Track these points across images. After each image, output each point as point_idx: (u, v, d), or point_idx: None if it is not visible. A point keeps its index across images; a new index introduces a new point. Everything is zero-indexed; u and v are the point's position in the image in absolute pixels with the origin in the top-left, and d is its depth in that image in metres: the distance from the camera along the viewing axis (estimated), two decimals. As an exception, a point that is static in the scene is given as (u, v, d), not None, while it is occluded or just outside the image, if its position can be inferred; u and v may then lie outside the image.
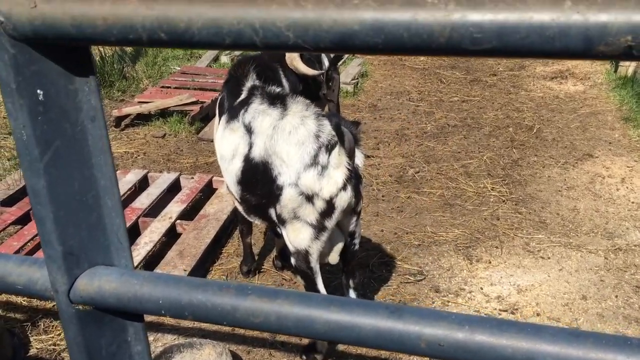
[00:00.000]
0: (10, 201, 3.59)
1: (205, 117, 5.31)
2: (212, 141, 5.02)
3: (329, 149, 2.23)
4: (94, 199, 0.80)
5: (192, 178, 4.01)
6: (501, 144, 4.79)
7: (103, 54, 5.98)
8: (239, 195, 2.52)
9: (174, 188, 3.94)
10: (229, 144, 2.46)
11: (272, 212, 2.39)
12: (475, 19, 0.55)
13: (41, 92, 0.71)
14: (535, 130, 4.96)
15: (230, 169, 2.47)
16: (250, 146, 2.36)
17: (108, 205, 0.80)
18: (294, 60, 3.28)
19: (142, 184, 3.99)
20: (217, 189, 3.93)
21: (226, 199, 3.71)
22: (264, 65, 2.92)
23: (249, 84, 2.56)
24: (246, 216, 2.70)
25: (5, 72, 0.69)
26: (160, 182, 3.89)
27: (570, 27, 0.53)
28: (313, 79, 3.40)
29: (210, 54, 6.80)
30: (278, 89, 2.54)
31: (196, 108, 5.23)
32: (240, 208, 2.69)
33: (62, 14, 0.66)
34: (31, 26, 0.66)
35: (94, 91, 0.75)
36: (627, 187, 4.05)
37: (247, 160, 2.38)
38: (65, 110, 0.74)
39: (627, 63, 5.64)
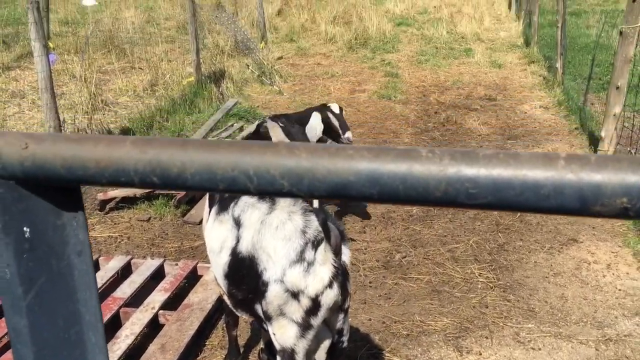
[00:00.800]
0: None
1: (191, 200, 5.30)
2: (198, 224, 5.00)
3: (315, 245, 2.21)
4: (77, 335, 0.76)
5: (177, 264, 3.95)
6: (486, 227, 4.80)
7: (90, 137, 6.02)
8: (227, 289, 2.47)
9: (158, 275, 3.87)
10: (217, 236, 2.44)
11: (258, 307, 2.34)
12: (469, 174, 0.56)
13: (28, 230, 0.70)
14: (519, 214, 5.00)
15: (218, 262, 2.43)
16: (238, 240, 2.34)
17: (92, 341, 0.77)
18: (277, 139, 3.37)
19: (125, 271, 3.91)
20: (202, 275, 3.86)
21: (211, 286, 3.63)
22: None
23: None
24: (234, 310, 2.64)
25: (-8, 211, 0.68)
26: (143, 269, 3.82)
27: (564, 187, 0.53)
28: None
29: (197, 135, 6.88)
30: None
31: (182, 191, 5.22)
32: (227, 302, 2.63)
33: (53, 156, 0.65)
34: (21, 167, 0.66)
35: (82, 226, 0.73)
36: (613, 274, 4.05)
37: (235, 254, 2.35)
38: (52, 246, 0.72)
39: (605, 147, 5.78)
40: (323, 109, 4.56)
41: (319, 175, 0.59)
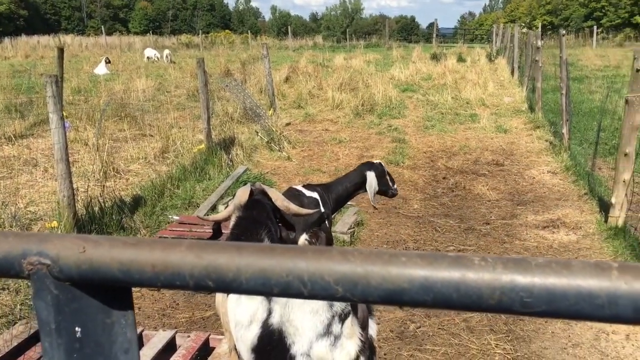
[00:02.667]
0: (-1, 365, 3.43)
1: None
2: (209, 294, 4.95)
3: (342, 318, 2.20)
4: None
5: (189, 336, 3.89)
6: (501, 296, 4.74)
7: (102, 205, 6.07)
8: None
9: (170, 347, 3.81)
10: (246, 309, 2.40)
11: None
12: (523, 282, 0.57)
13: (79, 330, 0.71)
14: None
15: (247, 336, 2.38)
16: (270, 312, 2.31)
17: None
18: (284, 201, 3.32)
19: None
20: (214, 348, 3.80)
21: (223, 360, 3.57)
22: (269, 227, 2.97)
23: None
24: None
25: (46, 312, 0.69)
26: (155, 342, 3.77)
27: (619, 297, 0.54)
28: (304, 218, 3.42)
29: (208, 203, 6.92)
30: None
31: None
32: None
33: (110, 260, 0.67)
34: (78, 270, 0.68)
35: (131, 324, 0.74)
36: (632, 345, 3.97)
37: (265, 326, 2.31)
38: (100, 344, 0.73)
39: (616, 213, 5.78)
40: (373, 165, 4.73)
41: (373, 282, 0.61)
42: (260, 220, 3.04)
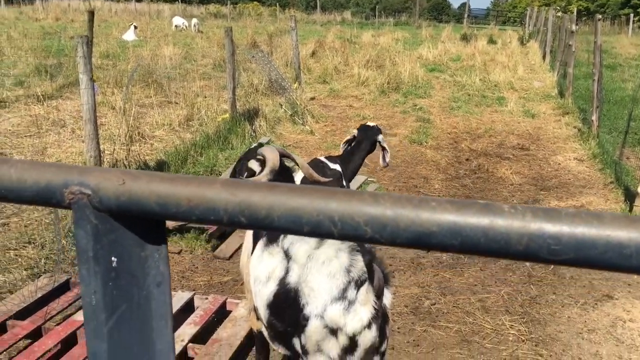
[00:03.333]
0: (24, 314, 3.55)
1: (222, 235, 5.35)
2: (227, 259, 5.03)
3: (358, 285, 2.23)
4: (149, 363, 0.79)
5: (207, 299, 3.97)
6: (518, 279, 4.74)
7: (127, 168, 6.15)
8: (267, 320, 2.48)
9: (188, 308, 3.89)
10: (266, 266, 2.45)
11: (296, 342, 2.34)
12: (552, 230, 0.58)
13: (115, 259, 0.74)
14: (552, 267, 4.93)
15: (263, 292, 2.45)
16: (287, 271, 2.36)
17: (162, 370, 0.80)
18: (309, 169, 3.35)
19: (155, 302, 3.94)
20: (231, 311, 3.87)
21: (240, 323, 3.64)
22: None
23: None
24: (270, 343, 2.64)
25: (85, 241, 0.72)
26: (174, 301, 3.85)
27: (647, 248, 0.55)
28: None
29: (229, 171, 6.97)
30: None
31: (214, 225, 5.27)
32: (265, 333, 2.63)
33: (149, 193, 0.69)
34: (117, 201, 0.70)
35: (164, 258, 0.77)
36: (649, 333, 3.95)
37: (282, 284, 2.37)
38: (135, 276, 0.76)
39: (642, 203, 5.70)
40: (378, 128, 4.77)
41: (402, 225, 0.62)
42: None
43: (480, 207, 0.61)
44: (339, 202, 0.65)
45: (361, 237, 0.65)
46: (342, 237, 0.65)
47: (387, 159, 4.68)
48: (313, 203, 0.65)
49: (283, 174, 3.21)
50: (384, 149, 4.66)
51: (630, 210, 5.89)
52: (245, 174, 3.21)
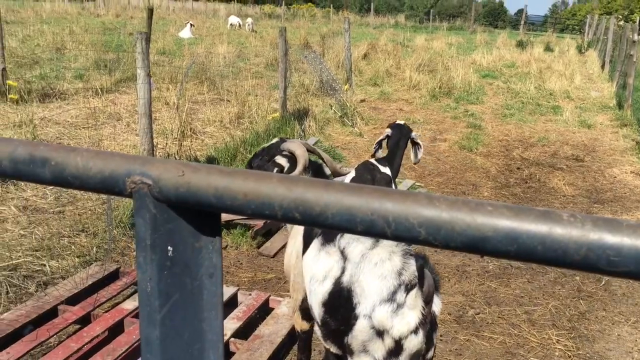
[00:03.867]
0: (75, 300, 3.67)
1: (267, 232, 5.40)
2: (272, 257, 5.08)
3: (408, 288, 2.23)
4: (199, 352, 0.81)
5: (250, 295, 4.01)
6: (567, 293, 4.61)
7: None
8: (321, 318, 2.49)
9: (231, 303, 3.95)
10: (323, 265, 2.47)
11: (346, 340, 2.36)
12: (612, 241, 0.57)
13: (171, 249, 0.76)
14: (603, 282, 4.78)
15: (319, 290, 2.46)
16: (343, 271, 2.38)
17: (211, 359, 0.82)
18: (332, 162, 3.32)
19: (200, 295, 4.01)
20: (273, 308, 3.91)
21: (282, 321, 3.67)
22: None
23: None
24: (323, 342, 2.66)
25: (144, 229, 0.74)
26: (218, 296, 3.91)
27: None
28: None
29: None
30: None
31: (260, 222, 5.34)
32: (319, 332, 2.65)
33: (207, 185, 0.71)
34: (176, 192, 0.72)
35: (217, 250, 0.79)
36: None
37: (337, 283, 2.38)
38: (188, 266, 0.78)
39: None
40: (408, 127, 4.67)
41: (457, 228, 0.62)
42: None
43: (538, 214, 0.60)
44: (394, 203, 0.65)
45: (415, 239, 0.64)
46: (395, 237, 0.65)
47: (420, 155, 4.58)
48: (368, 202, 0.66)
49: (315, 170, 3.24)
50: (417, 144, 4.57)
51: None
52: (275, 170, 3.23)
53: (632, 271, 0.56)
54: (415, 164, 4.89)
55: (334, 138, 8.95)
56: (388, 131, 4.57)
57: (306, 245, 2.66)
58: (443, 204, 0.63)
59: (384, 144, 4.57)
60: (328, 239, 2.48)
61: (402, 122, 4.72)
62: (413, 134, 4.61)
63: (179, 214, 0.75)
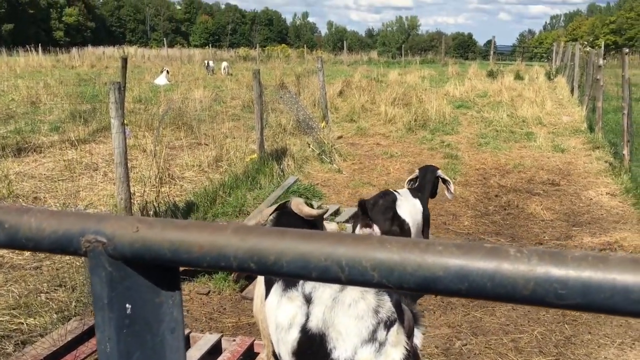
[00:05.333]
0: (53, 358, 3.58)
1: (250, 275, 5.36)
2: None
3: (388, 325, 2.21)
4: (164, 410, 0.80)
5: (234, 340, 3.95)
6: (552, 318, 4.61)
7: (157, 210, 6.25)
8: None
9: (215, 350, 3.88)
10: (286, 313, 2.43)
11: None
12: (558, 275, 0.58)
13: (129, 306, 0.75)
14: (587, 305, 4.78)
15: (287, 340, 2.42)
16: (308, 316, 2.34)
17: (177, 416, 0.80)
18: (299, 205, 3.41)
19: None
20: (258, 353, 3.85)
21: (267, 365, 3.60)
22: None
23: None
24: None
25: (100, 288, 0.74)
26: (201, 344, 3.84)
27: (655, 292, 0.54)
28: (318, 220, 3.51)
29: (257, 211, 7.02)
30: None
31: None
32: None
33: (162, 240, 0.71)
34: (131, 248, 0.72)
35: (178, 304, 0.78)
36: (693, 375, 3.78)
37: (305, 330, 2.34)
38: (149, 323, 0.77)
39: (678, 239, 5.54)
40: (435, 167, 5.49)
41: (409, 269, 0.62)
42: (279, 223, 3.25)
43: (486, 251, 0.61)
44: (346, 247, 0.65)
45: (368, 282, 0.65)
46: (349, 282, 0.66)
47: (452, 190, 5.24)
48: (321, 248, 0.66)
49: (285, 216, 3.28)
50: (446, 181, 5.21)
51: (667, 245, 5.72)
52: None
53: (579, 304, 0.57)
54: (451, 199, 5.79)
55: (313, 176, 8.98)
56: (416, 171, 5.32)
57: (267, 290, 2.61)
58: (394, 245, 0.64)
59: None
60: (289, 284, 2.44)
61: (429, 165, 5.54)
62: (439, 172, 5.27)
63: (136, 270, 0.74)
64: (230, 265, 0.69)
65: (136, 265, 0.74)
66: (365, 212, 4.23)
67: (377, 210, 4.33)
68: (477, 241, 6.43)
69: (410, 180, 5.29)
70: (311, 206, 3.66)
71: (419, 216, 4.70)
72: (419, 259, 0.62)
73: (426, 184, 5.14)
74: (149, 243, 0.71)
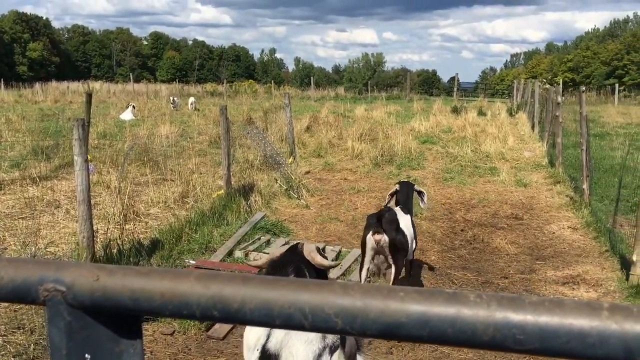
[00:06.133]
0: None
1: (216, 314, 5.26)
2: (222, 339, 4.93)
3: (332, 350, 2.40)
4: None
5: (199, 382, 3.86)
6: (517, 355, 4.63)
7: (120, 248, 6.13)
8: None
9: (179, 393, 3.78)
10: (255, 334, 2.62)
11: None
12: (516, 320, 0.59)
13: (89, 356, 0.73)
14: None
15: (251, 358, 2.60)
16: (268, 337, 2.51)
17: None
18: (311, 252, 3.49)
19: (147, 387, 3.83)
20: (224, 395, 3.76)
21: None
22: (298, 267, 3.19)
23: None
24: None
25: (59, 338, 0.72)
26: (165, 386, 3.74)
27: (609, 337, 0.56)
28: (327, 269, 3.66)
29: (224, 248, 6.95)
30: None
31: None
32: None
33: (123, 287, 0.70)
34: (91, 297, 0.71)
35: (138, 353, 0.77)
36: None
37: (264, 351, 2.50)
38: (109, 372, 0.75)
39: (637, 271, 5.67)
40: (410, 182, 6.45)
41: (372, 316, 0.63)
42: (290, 261, 3.31)
43: (447, 297, 0.62)
44: (310, 294, 0.65)
45: (332, 329, 0.65)
46: (313, 329, 0.66)
47: (425, 200, 6.09)
48: (285, 295, 0.66)
49: (291, 253, 3.35)
50: (421, 193, 6.06)
51: (627, 278, 5.86)
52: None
53: (538, 349, 0.58)
54: (424, 208, 6.50)
55: (280, 212, 8.95)
56: (396, 186, 6.05)
57: None
58: (357, 292, 0.65)
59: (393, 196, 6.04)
60: None
61: (406, 180, 6.51)
62: (415, 186, 6.14)
63: (96, 319, 0.73)
64: (193, 313, 0.68)
65: (96, 314, 0.72)
66: (380, 222, 4.99)
67: (386, 221, 5.02)
68: (443, 276, 6.48)
69: (391, 194, 6.00)
70: (324, 253, 3.78)
71: (411, 230, 5.51)
72: (381, 305, 0.63)
73: (408, 199, 5.89)
74: (109, 292, 0.70)
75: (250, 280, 0.68)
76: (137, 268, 0.72)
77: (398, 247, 5.05)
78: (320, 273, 3.66)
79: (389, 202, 5.93)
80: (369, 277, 5.34)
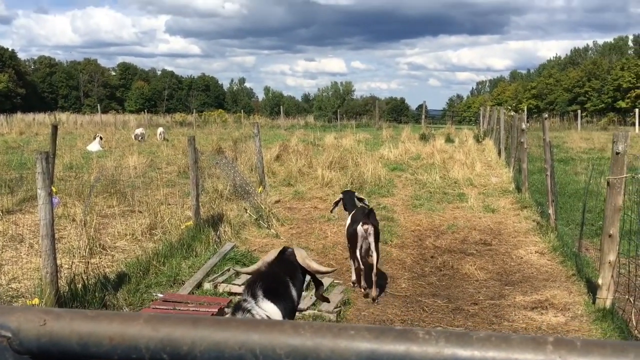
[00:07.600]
0: None
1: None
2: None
3: None
4: None
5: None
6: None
7: (85, 282, 5.99)
8: None
9: None
10: None
11: None
12: (464, 356, 0.59)
13: (35, 404, 0.71)
14: None
15: None
16: None
17: None
18: (306, 259, 3.66)
19: None
20: None
21: None
22: (273, 282, 3.41)
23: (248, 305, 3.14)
24: None
25: (4, 386, 0.70)
26: None
27: (554, 371, 0.57)
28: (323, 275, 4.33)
29: (193, 280, 6.84)
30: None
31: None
32: None
33: (70, 332, 0.69)
34: (38, 343, 0.69)
35: (89, 399, 0.75)
36: None
37: None
38: (57, 420, 0.73)
39: (603, 295, 5.76)
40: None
41: (322, 356, 0.63)
42: (281, 274, 3.53)
43: (396, 334, 0.62)
44: (260, 334, 0.65)
45: (283, 371, 0.64)
46: (264, 370, 0.65)
47: (367, 203, 7.35)
48: (235, 336, 0.66)
49: (282, 264, 3.65)
50: (362, 199, 7.40)
51: (594, 302, 5.94)
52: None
53: (485, 384, 0.58)
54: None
55: (250, 241, 8.89)
56: (341, 195, 7.52)
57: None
58: (308, 331, 0.64)
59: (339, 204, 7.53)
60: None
61: (348, 189, 8.40)
62: (356, 193, 7.56)
63: (44, 365, 0.71)
64: (142, 356, 0.67)
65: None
66: (367, 216, 6.43)
67: (371, 215, 6.53)
68: (414, 303, 6.48)
69: (335, 202, 7.55)
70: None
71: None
72: (331, 344, 0.63)
73: (353, 205, 7.18)
74: (56, 337, 0.69)
75: (200, 321, 0.67)
76: (85, 311, 0.70)
77: (378, 234, 6.56)
78: (316, 279, 3.88)
79: (333, 209, 7.72)
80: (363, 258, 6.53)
